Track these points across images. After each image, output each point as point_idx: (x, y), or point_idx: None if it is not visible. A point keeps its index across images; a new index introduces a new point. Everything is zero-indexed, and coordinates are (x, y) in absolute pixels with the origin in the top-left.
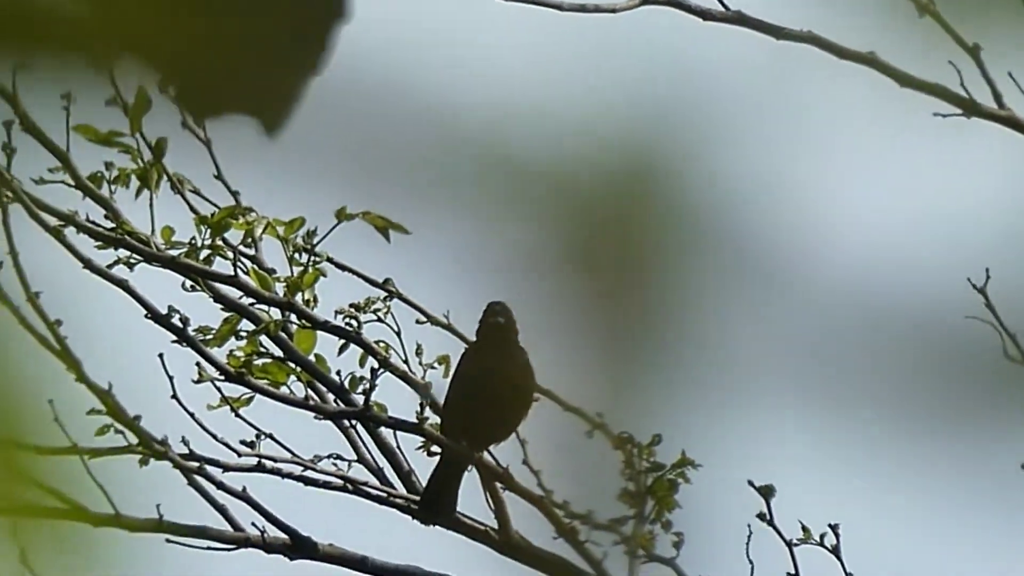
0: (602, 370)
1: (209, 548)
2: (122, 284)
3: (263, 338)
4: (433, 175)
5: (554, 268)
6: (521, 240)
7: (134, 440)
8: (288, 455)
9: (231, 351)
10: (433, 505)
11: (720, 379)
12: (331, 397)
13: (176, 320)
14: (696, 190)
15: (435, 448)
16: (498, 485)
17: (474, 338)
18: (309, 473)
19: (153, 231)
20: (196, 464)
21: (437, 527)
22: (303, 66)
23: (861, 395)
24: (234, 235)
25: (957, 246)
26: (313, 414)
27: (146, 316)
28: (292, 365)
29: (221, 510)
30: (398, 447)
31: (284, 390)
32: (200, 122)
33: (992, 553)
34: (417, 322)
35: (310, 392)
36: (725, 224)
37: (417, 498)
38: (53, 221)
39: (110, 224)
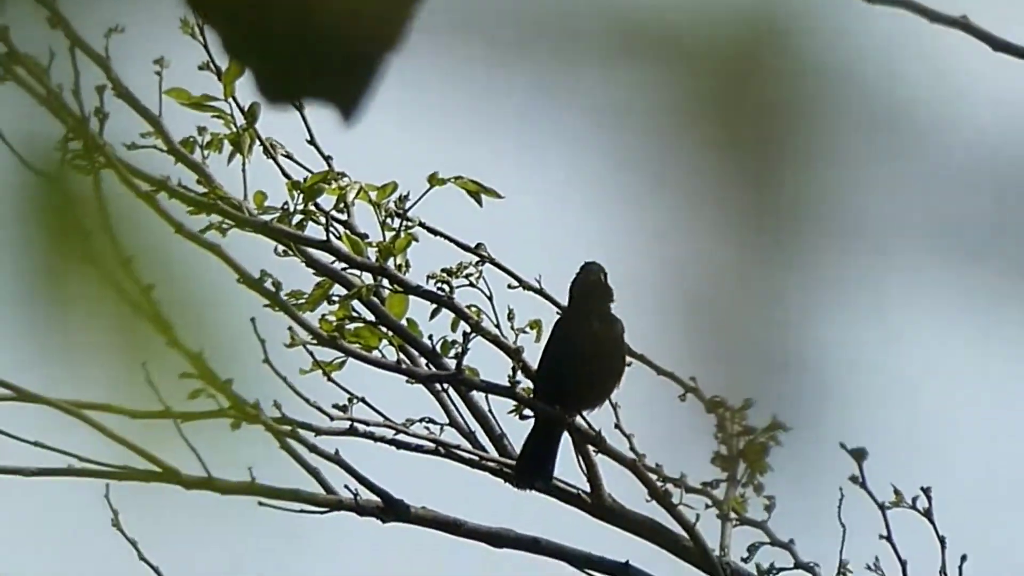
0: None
1: (302, 511)
2: (214, 249)
3: (355, 303)
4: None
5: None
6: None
7: (226, 404)
8: (380, 419)
9: (323, 316)
10: (529, 470)
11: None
12: (423, 361)
13: (268, 284)
14: (826, 44)
15: (527, 412)
16: (590, 448)
17: (567, 300)
18: (401, 437)
19: (245, 196)
20: (288, 428)
21: (530, 491)
22: (381, 46)
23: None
24: (326, 200)
25: None
26: (405, 378)
27: (238, 281)
28: (384, 329)
29: (314, 473)
30: (490, 411)
31: (376, 354)
32: (275, 107)
33: None
34: (509, 287)
35: (402, 356)
36: (856, 83)
37: (509, 461)
38: (145, 187)
39: (202, 189)
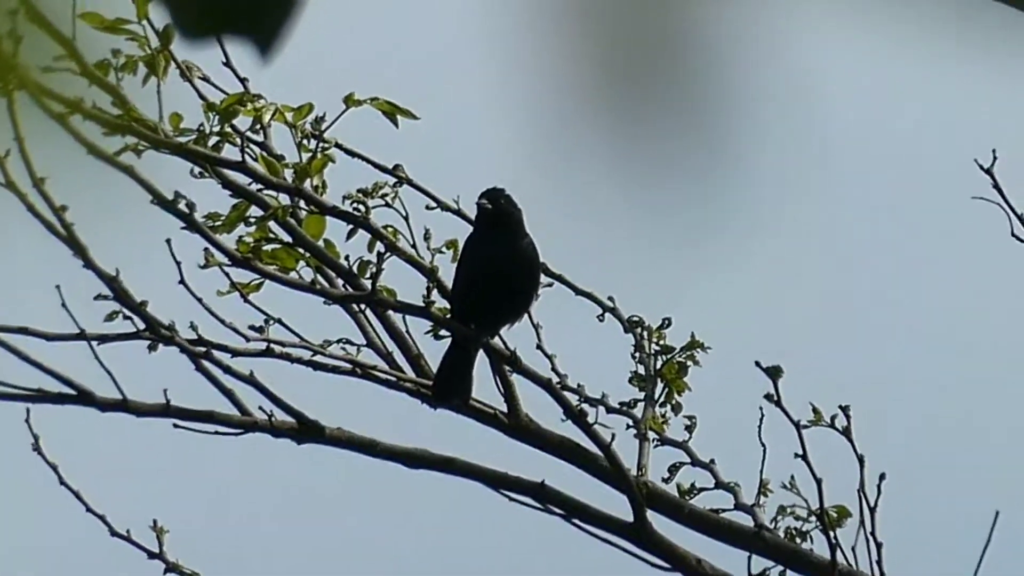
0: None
1: (216, 432)
2: (128, 169)
3: (272, 224)
4: None
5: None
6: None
7: (142, 325)
8: (297, 340)
9: (240, 237)
10: (446, 388)
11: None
12: (340, 282)
13: (183, 205)
14: None
15: (444, 332)
16: (506, 368)
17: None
18: (318, 358)
19: (161, 118)
20: (204, 349)
21: (446, 410)
22: None
23: None
24: (243, 122)
25: None
26: (322, 299)
27: (152, 201)
28: (301, 251)
29: (228, 394)
30: (407, 331)
31: (293, 275)
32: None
33: None
34: (427, 208)
35: (319, 277)
36: None
37: (426, 382)
38: (60, 108)
39: (118, 112)
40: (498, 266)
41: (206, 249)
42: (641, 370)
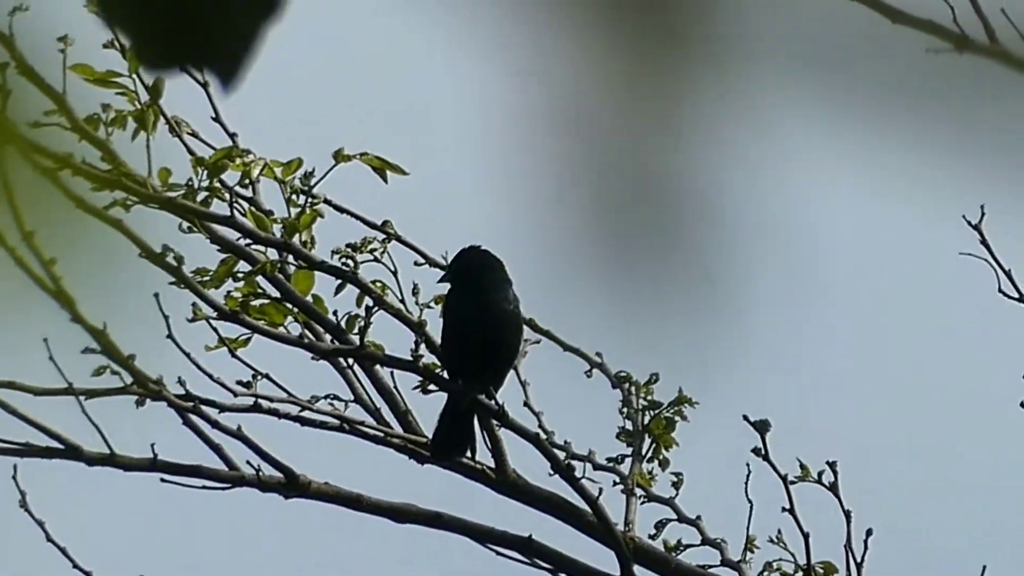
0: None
1: (204, 487)
2: (116, 223)
3: (261, 279)
4: None
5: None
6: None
7: (129, 380)
8: (285, 395)
9: (228, 292)
10: (443, 445)
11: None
12: (328, 337)
13: (171, 259)
14: None
15: (432, 387)
16: (494, 423)
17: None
18: (306, 413)
19: (150, 173)
20: (191, 404)
21: (434, 466)
22: (258, 13)
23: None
24: (231, 177)
25: None
26: (310, 354)
27: (140, 256)
28: (289, 306)
29: (216, 449)
30: (395, 387)
31: (281, 330)
32: (155, 73)
33: None
34: (415, 263)
35: (307, 332)
36: None
37: (414, 437)
38: (48, 164)
39: (107, 167)
40: (478, 322)
41: (194, 304)
42: (629, 426)
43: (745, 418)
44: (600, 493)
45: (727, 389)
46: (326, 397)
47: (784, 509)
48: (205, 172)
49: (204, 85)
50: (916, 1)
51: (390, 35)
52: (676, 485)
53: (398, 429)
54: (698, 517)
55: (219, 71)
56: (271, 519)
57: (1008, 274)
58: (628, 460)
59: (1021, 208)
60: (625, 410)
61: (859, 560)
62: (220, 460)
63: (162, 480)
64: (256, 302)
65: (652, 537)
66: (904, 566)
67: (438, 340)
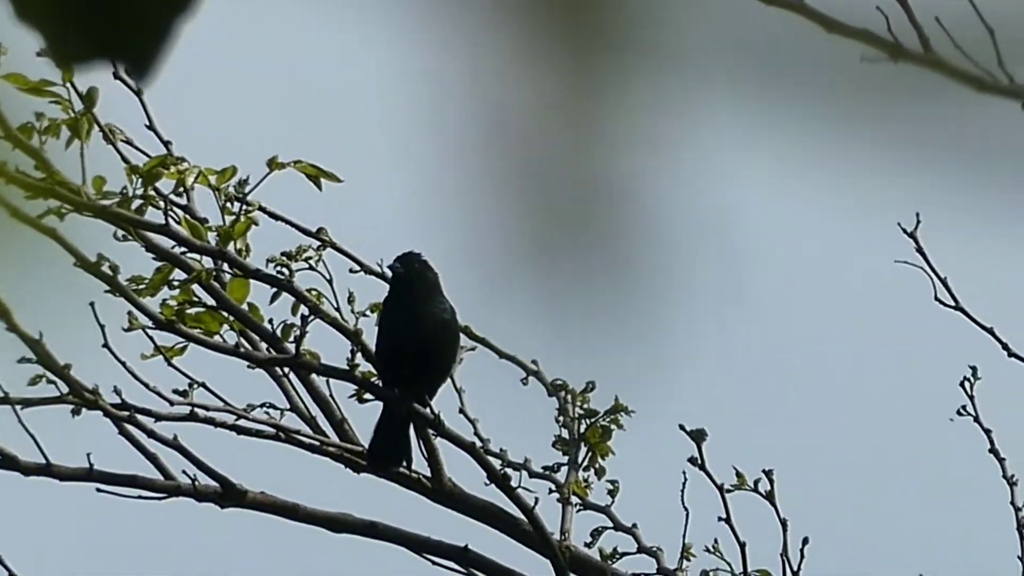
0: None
1: (140, 497)
2: (50, 232)
3: (196, 287)
4: None
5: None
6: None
7: (65, 389)
8: (221, 404)
9: (164, 301)
10: (380, 455)
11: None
12: (264, 346)
13: (106, 268)
14: None
15: (368, 396)
16: (430, 432)
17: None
18: (242, 422)
19: (84, 181)
20: (127, 413)
21: (369, 475)
22: (168, 7)
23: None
24: (166, 185)
25: None
26: (246, 362)
27: (75, 264)
28: (225, 314)
29: (152, 459)
30: (331, 396)
31: (217, 339)
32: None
33: None
34: (351, 271)
35: (243, 341)
36: None
37: (350, 446)
38: None
39: (41, 175)
40: (413, 331)
41: (130, 312)
42: (565, 434)
43: (681, 427)
44: (536, 503)
45: (663, 398)
46: (262, 406)
47: (720, 519)
48: (139, 180)
49: (138, 93)
50: (851, 10)
51: (325, 42)
52: (612, 493)
53: (334, 438)
54: (634, 525)
55: (131, 64)
56: (207, 529)
57: (944, 282)
58: (564, 468)
59: (956, 216)
60: (561, 418)
61: (795, 569)
62: (156, 470)
63: (98, 490)
64: (192, 310)
65: (588, 545)
66: (840, 575)
67: (374, 349)
